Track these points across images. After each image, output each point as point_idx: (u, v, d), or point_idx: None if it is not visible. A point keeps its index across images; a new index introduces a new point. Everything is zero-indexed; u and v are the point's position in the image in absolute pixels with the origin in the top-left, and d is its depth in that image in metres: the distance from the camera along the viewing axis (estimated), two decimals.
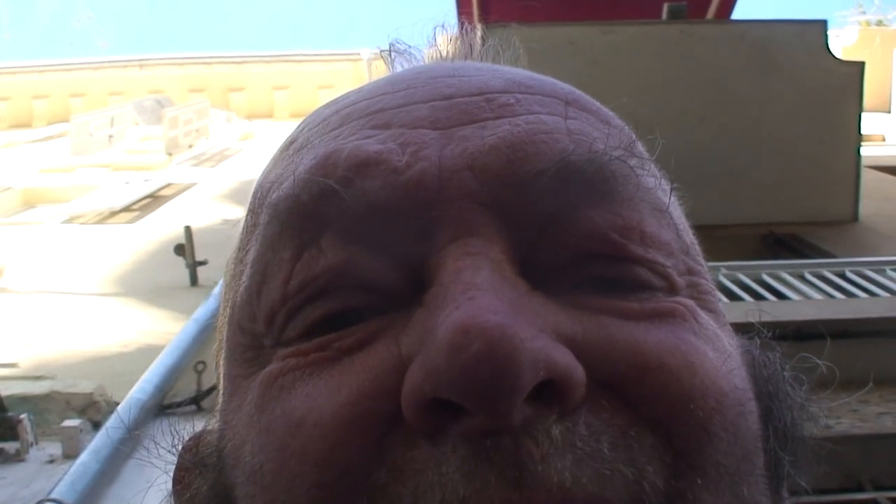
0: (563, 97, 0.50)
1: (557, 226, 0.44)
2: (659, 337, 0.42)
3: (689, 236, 0.51)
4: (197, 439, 0.53)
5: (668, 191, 0.50)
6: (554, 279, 0.44)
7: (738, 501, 0.41)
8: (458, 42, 0.60)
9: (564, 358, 0.38)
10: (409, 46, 0.59)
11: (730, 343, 0.47)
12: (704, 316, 0.46)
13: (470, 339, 0.36)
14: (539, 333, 0.38)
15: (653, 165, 0.51)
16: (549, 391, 0.37)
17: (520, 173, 0.44)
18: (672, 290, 0.46)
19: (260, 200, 0.50)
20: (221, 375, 0.51)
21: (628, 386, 0.40)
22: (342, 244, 0.44)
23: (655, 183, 0.49)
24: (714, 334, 0.45)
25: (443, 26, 0.61)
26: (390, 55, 0.59)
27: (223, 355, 0.51)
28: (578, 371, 0.38)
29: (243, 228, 0.52)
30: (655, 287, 0.46)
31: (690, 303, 0.46)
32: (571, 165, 0.45)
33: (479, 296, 0.38)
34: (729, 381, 0.42)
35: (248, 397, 0.46)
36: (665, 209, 0.48)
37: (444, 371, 0.36)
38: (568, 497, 0.36)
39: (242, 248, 0.51)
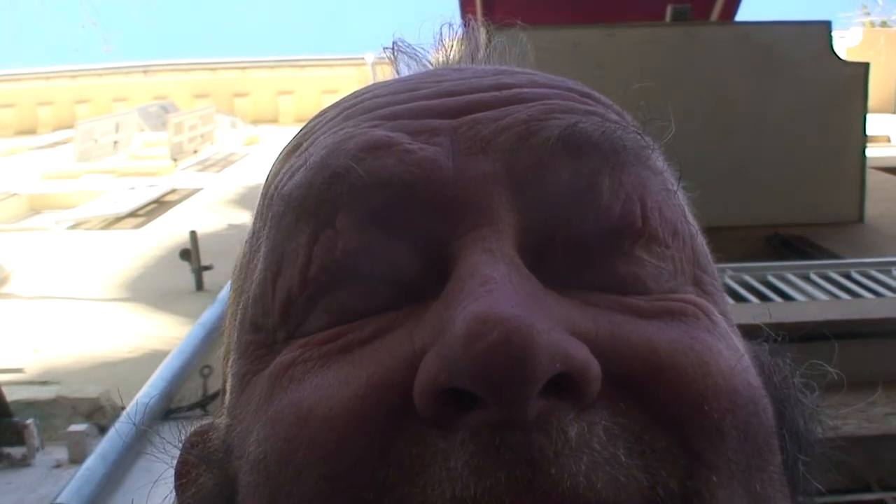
0: (577, 91, 0.51)
1: (571, 198, 0.45)
2: (672, 336, 0.42)
3: (697, 231, 0.51)
4: (202, 435, 0.53)
5: (676, 180, 0.51)
6: (566, 275, 0.44)
7: (751, 497, 0.41)
8: (464, 44, 0.59)
9: (580, 352, 0.38)
10: (414, 45, 0.59)
11: (739, 343, 0.47)
12: (717, 314, 0.46)
13: (488, 329, 0.36)
14: (556, 326, 0.38)
15: (662, 156, 0.51)
16: (564, 385, 0.37)
17: (531, 143, 0.45)
18: (677, 274, 0.47)
19: (269, 200, 0.50)
20: (229, 376, 0.51)
21: (642, 385, 0.40)
22: (357, 225, 0.44)
23: (664, 167, 0.50)
24: (726, 332, 0.45)
25: (450, 25, 0.61)
26: (394, 55, 0.59)
27: (232, 357, 0.51)
28: (594, 366, 0.38)
29: (250, 233, 0.52)
30: (660, 273, 0.46)
31: (702, 301, 0.46)
32: (581, 132, 0.45)
33: (497, 289, 0.38)
34: (742, 380, 0.42)
35: (257, 390, 0.46)
36: (673, 190, 0.49)
37: (460, 360, 0.36)
38: (580, 502, 0.36)
39: (251, 250, 0.51)
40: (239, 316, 0.51)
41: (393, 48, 0.59)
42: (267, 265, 0.48)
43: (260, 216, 0.51)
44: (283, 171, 0.50)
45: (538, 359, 0.36)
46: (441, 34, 0.60)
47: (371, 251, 0.44)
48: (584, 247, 0.45)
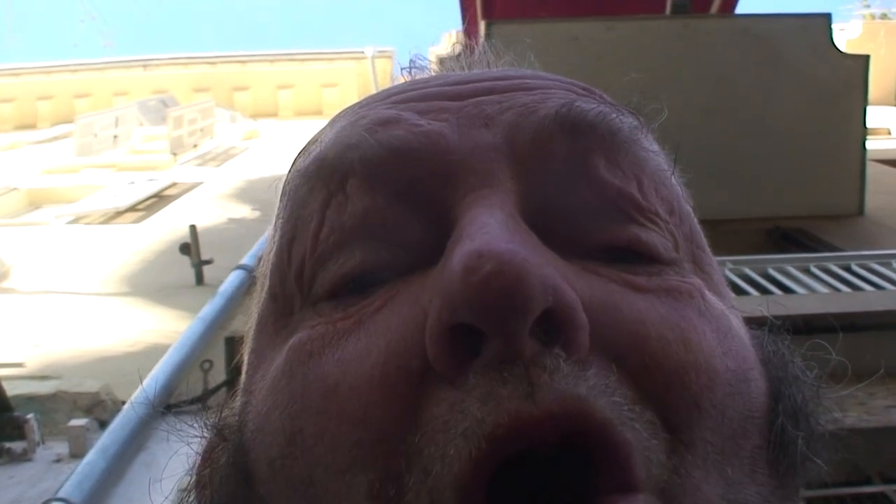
0: (578, 85, 0.53)
1: (569, 174, 0.47)
2: (662, 312, 0.43)
3: (692, 212, 0.53)
4: (220, 416, 0.54)
5: (671, 163, 0.53)
6: (567, 244, 0.45)
7: (724, 481, 0.42)
8: (469, 50, 0.62)
9: (571, 292, 0.39)
10: (423, 57, 0.61)
11: (737, 324, 0.48)
12: (711, 296, 0.47)
13: (483, 262, 0.37)
14: (548, 263, 0.40)
15: (656, 141, 0.53)
16: (556, 331, 0.38)
17: (530, 120, 0.48)
18: (676, 249, 0.48)
19: (288, 182, 0.53)
20: (246, 354, 0.53)
21: (628, 355, 0.41)
22: (366, 189, 0.47)
23: (658, 150, 0.52)
24: (720, 314, 0.46)
25: (455, 32, 0.63)
26: (410, 72, 0.61)
27: (250, 335, 0.53)
28: (582, 314, 0.39)
29: (274, 221, 0.54)
30: (661, 257, 0.47)
31: (699, 282, 0.47)
32: (577, 110, 0.48)
33: (493, 229, 0.40)
34: (722, 362, 0.43)
35: (273, 364, 0.47)
36: (667, 171, 0.51)
37: (458, 294, 0.38)
38: (586, 408, 0.37)
39: (273, 234, 0.53)
40: (262, 295, 0.53)
41: (410, 65, 0.61)
42: (283, 233, 0.50)
43: (280, 199, 0.53)
44: (303, 155, 0.53)
45: (531, 288, 0.37)
46: (448, 41, 0.62)
47: (378, 214, 0.46)
48: (584, 220, 0.47)
